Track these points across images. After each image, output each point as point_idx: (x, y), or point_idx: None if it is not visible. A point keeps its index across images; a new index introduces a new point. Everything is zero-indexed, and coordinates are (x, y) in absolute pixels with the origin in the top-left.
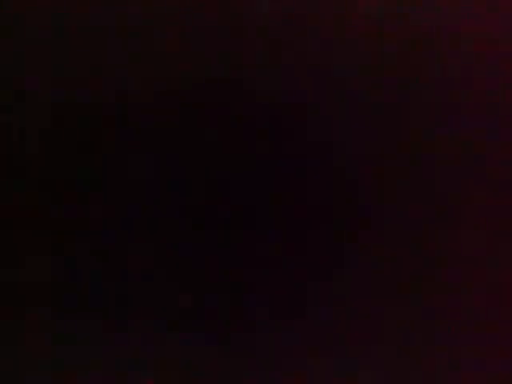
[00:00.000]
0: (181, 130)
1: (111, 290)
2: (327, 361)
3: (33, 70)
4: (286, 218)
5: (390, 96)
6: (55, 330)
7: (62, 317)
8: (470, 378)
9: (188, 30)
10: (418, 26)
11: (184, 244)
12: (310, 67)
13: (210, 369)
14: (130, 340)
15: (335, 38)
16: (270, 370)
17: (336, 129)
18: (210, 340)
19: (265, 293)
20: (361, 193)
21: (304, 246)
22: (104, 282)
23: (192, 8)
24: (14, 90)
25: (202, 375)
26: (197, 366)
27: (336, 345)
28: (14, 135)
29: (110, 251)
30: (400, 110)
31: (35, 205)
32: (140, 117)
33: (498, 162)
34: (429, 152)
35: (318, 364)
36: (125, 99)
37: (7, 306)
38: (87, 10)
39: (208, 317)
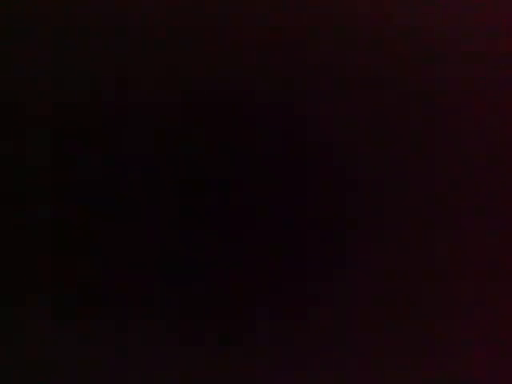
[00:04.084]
0: (181, 130)
1: (111, 291)
2: (327, 361)
3: (33, 70)
4: (286, 218)
5: (390, 97)
6: (55, 330)
7: (63, 317)
8: (468, 378)
9: (188, 29)
10: (418, 26)
11: (185, 244)
12: (310, 67)
13: (210, 369)
14: (129, 340)
15: (335, 38)
16: (270, 370)
17: (336, 129)
18: (210, 340)
19: (265, 293)
20: (361, 194)
21: (304, 247)
22: (104, 283)
23: (192, 8)
24: (14, 90)
25: (202, 375)
26: (197, 366)
27: (336, 345)
28: (14, 135)
29: (110, 251)
30: (400, 111)
31: (35, 204)
32: (140, 117)
33: (498, 162)
34: (429, 153)
35: (318, 364)
36: (125, 99)
37: (7, 307)
38: (88, 10)
39: (208, 317)
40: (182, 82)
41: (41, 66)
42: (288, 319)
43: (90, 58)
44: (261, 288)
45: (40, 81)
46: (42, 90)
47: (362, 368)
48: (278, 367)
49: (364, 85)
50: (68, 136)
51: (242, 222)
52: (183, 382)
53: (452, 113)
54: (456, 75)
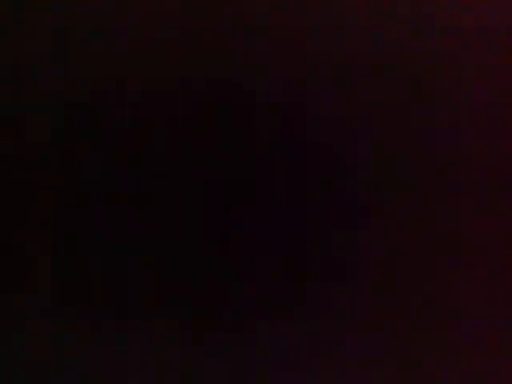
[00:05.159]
0: (181, 129)
1: (112, 291)
2: (326, 361)
3: (34, 69)
4: (286, 218)
5: (390, 96)
6: (55, 330)
7: (63, 316)
8: (468, 379)
9: (188, 29)
10: (418, 26)
11: (185, 244)
12: (311, 67)
13: (210, 369)
14: (129, 340)
15: (335, 37)
16: (270, 370)
17: (336, 129)
18: (209, 341)
19: (264, 293)
20: (361, 195)
21: (304, 248)
22: (104, 283)
23: (192, 8)
24: (14, 90)
25: (202, 376)
26: (196, 367)
27: (336, 345)
28: (15, 135)
29: (111, 251)
30: (400, 111)
31: (36, 206)
32: (141, 117)
33: (497, 162)
34: (429, 153)
35: (318, 365)
36: (124, 99)
37: (8, 307)
38: (88, 9)
39: (208, 317)
40: (183, 82)
41: (42, 64)
42: (289, 320)
43: (91, 57)
44: (261, 289)
45: (41, 80)
46: (43, 89)
47: (362, 369)
48: (278, 368)
49: (364, 84)
50: (67, 136)
51: (242, 222)
52: (183, 382)
53: (453, 111)
54: (457, 74)
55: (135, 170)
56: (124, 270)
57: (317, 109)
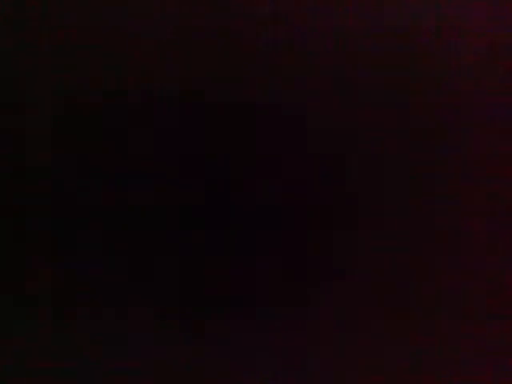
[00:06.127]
0: (180, 130)
1: (111, 290)
2: (326, 362)
3: (34, 70)
4: (286, 218)
5: (389, 97)
6: (55, 329)
7: (62, 316)
8: (468, 380)
9: (188, 29)
10: (418, 26)
11: (184, 242)
12: (311, 67)
13: (209, 369)
14: (129, 341)
15: (335, 37)
16: (270, 371)
17: (336, 130)
18: (209, 341)
19: (265, 293)
20: (361, 196)
21: (304, 247)
22: (103, 282)
23: (192, 8)
24: (14, 91)
25: (201, 376)
26: (195, 367)
27: (335, 345)
28: (14, 136)
29: (110, 249)
30: (400, 112)
31: (35, 204)
32: (141, 116)
33: (498, 163)
34: (429, 155)
35: (318, 365)
36: (125, 99)
37: (9, 308)
38: (87, 9)
39: (208, 317)
40: (183, 81)
41: (41, 64)
42: (288, 320)
43: (91, 56)
44: (260, 287)
45: (40, 79)
46: (43, 89)
47: (362, 369)
48: (278, 368)
49: (364, 83)
50: (67, 136)
51: (240, 221)
52: (182, 381)
53: (454, 113)
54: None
55: (135, 170)
56: (122, 263)
57: (316, 109)
